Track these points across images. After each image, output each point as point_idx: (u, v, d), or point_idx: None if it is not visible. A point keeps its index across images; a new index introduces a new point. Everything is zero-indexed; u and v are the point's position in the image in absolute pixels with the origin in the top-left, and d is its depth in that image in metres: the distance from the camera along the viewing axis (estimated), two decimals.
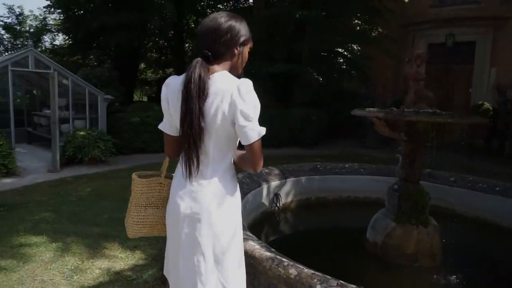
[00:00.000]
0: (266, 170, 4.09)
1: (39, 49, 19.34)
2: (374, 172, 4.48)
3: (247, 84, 1.31)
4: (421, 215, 2.84)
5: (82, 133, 7.10)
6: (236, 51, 1.39)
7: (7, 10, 22.66)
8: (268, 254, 1.88)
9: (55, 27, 19.62)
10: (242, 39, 1.39)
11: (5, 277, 2.64)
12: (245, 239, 2.07)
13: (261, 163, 1.40)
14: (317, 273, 1.68)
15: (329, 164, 4.64)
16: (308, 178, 4.35)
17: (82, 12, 12.99)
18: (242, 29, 1.39)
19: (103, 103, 7.89)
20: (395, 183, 3.03)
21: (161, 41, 15.47)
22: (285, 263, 1.77)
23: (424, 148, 2.84)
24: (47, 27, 20.73)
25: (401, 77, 3.08)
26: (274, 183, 4.01)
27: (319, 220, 4.22)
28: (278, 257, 1.84)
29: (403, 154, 2.90)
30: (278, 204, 3.99)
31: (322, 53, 11.06)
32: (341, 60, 11.85)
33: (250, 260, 1.94)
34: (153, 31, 13.02)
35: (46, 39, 21.81)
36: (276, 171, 4.16)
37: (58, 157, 6.70)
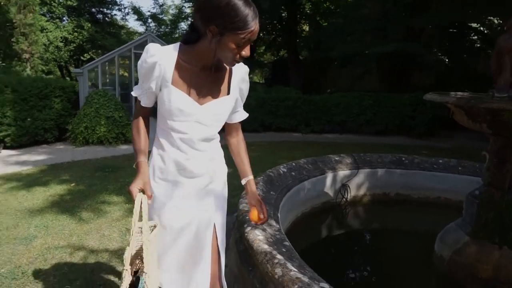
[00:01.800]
0: (337, 158, 3.75)
1: (176, 35, 21.96)
2: (475, 172, 3.66)
3: None
4: (507, 232, 2.18)
5: None
6: (209, 34, 1.15)
7: (153, 1, 26.15)
8: (265, 247, 1.70)
9: (190, 14, 21.73)
10: (221, 25, 1.11)
11: (79, 226, 3.10)
12: (254, 227, 1.93)
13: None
14: (303, 278, 1.44)
15: (418, 157, 3.98)
16: (388, 171, 3.81)
17: None
18: (228, 13, 1.09)
19: None
20: (477, 188, 2.39)
21: (274, 21, 15.52)
22: (275, 261, 1.57)
23: None
24: (183, 16, 23.08)
25: (494, 51, 2.32)
26: (343, 172, 3.64)
27: (394, 219, 3.69)
28: (273, 252, 1.64)
29: (490, 151, 2.25)
30: (345, 196, 3.63)
31: (450, 29, 9.45)
32: (475, 37, 9.94)
33: (249, 250, 1.80)
34: (264, 11, 13.15)
35: (183, 25, 24.40)
36: (348, 160, 3.77)
37: None
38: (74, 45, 15.19)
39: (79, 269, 2.43)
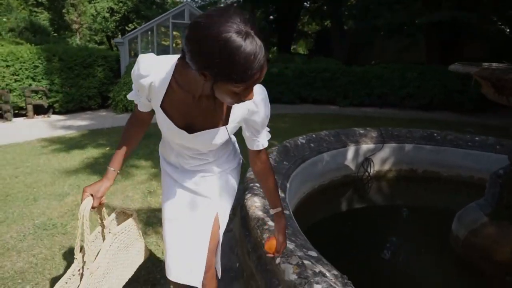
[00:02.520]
0: (361, 131, 3.63)
1: (221, 4, 21.82)
2: None
3: None
4: None
5: None
6: (201, 76, 0.90)
7: None
8: (259, 214, 1.72)
9: None
10: (213, 74, 0.86)
11: None
12: (255, 194, 1.96)
13: None
14: (288, 244, 1.45)
15: (452, 133, 3.73)
16: (416, 147, 3.63)
17: None
18: (224, 65, 0.83)
19: None
20: (503, 167, 2.22)
21: None
22: (265, 227, 1.59)
23: None
24: None
25: None
26: (367, 146, 3.53)
27: (419, 197, 3.55)
28: (265, 219, 1.66)
29: None
30: (368, 170, 3.53)
31: None
32: None
33: (246, 215, 1.83)
34: None
35: None
36: (374, 133, 3.63)
37: None
38: (120, 15, 15.66)
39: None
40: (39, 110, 6.87)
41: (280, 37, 16.64)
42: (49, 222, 2.65)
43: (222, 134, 1.17)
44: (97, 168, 3.84)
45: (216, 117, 1.13)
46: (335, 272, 1.36)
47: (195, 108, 1.10)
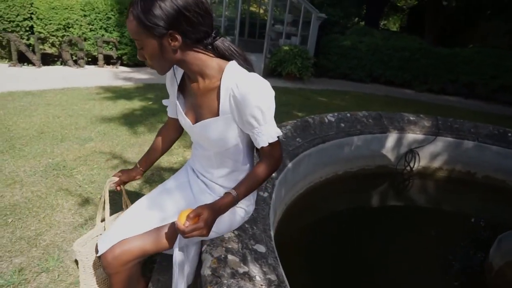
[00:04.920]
0: (412, 117, 3.07)
1: None
2: None
3: None
4: None
5: (285, 48, 7.41)
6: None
7: None
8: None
9: None
10: (155, 27, 0.93)
11: (128, 138, 3.35)
12: None
13: None
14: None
15: None
16: (479, 146, 2.98)
17: None
18: (162, 10, 0.91)
19: (316, 21, 7.78)
20: None
21: None
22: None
23: None
24: None
25: None
26: (414, 135, 2.98)
27: (472, 206, 2.94)
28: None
29: None
30: (411, 165, 3.01)
31: None
32: None
33: None
34: None
35: None
36: (427, 122, 3.05)
37: (262, 66, 7.41)
38: None
39: (105, 175, 2.63)
40: (109, 60, 7.26)
41: (368, 9, 15.26)
42: (62, 163, 2.73)
43: (216, 126, 1.09)
44: (130, 119, 3.89)
45: (209, 105, 1.08)
46: (273, 277, 1.08)
47: (194, 96, 1.11)
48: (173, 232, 1.13)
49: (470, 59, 7.52)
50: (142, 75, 6.76)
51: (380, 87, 8.19)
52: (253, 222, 1.39)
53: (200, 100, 1.09)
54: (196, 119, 1.14)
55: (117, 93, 5.06)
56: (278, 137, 1.09)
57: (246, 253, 1.15)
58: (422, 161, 3.03)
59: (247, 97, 0.99)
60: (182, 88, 1.18)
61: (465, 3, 11.05)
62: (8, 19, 6.19)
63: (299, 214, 2.32)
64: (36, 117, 3.66)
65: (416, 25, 14.44)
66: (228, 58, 1.05)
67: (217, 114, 1.07)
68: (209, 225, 1.01)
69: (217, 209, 1.05)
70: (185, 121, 1.16)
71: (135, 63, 7.48)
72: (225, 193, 1.10)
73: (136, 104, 4.56)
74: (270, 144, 1.07)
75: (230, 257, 1.08)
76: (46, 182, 2.43)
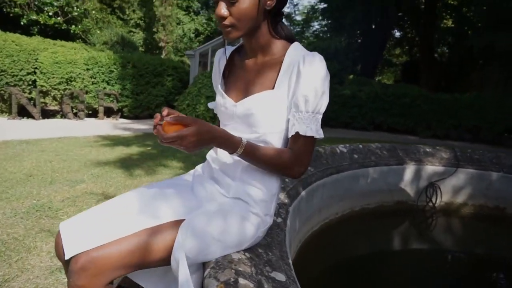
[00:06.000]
0: (428, 149, 2.86)
1: (307, 34, 22.06)
2: None
3: None
4: None
5: None
6: None
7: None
8: None
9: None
10: None
11: (123, 180, 3.11)
12: None
13: None
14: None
15: None
16: (505, 177, 2.73)
17: None
18: None
19: None
20: None
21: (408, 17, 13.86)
22: None
23: None
24: (315, 15, 22.90)
25: None
26: (432, 167, 2.74)
27: (506, 247, 2.60)
28: None
29: None
30: (433, 200, 2.73)
31: None
32: None
33: None
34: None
35: (316, 25, 24.20)
36: (445, 154, 2.83)
37: None
38: (203, 36, 16.61)
39: None
40: (109, 113, 7.25)
41: (363, 66, 15.86)
42: (47, 204, 2.46)
43: (265, 99, 0.95)
44: (127, 162, 3.68)
45: (264, 79, 0.98)
46: None
47: (244, 72, 1.03)
48: (168, 241, 0.87)
49: (471, 104, 7.52)
50: (142, 126, 6.70)
51: (384, 134, 8.09)
52: (268, 247, 1.12)
53: (254, 76, 1.00)
54: (242, 97, 1.00)
55: (115, 141, 4.91)
56: (315, 139, 0.94)
57: (262, 280, 0.87)
58: (444, 196, 2.75)
59: (309, 72, 0.90)
60: (226, 76, 1.09)
61: (457, 55, 11.44)
62: (12, 74, 6.27)
63: (315, 253, 2.00)
64: (27, 162, 3.46)
65: (411, 78, 14.88)
66: (290, 41, 1.00)
67: (272, 88, 0.96)
68: (196, 139, 0.81)
69: (213, 130, 0.85)
70: (224, 100, 1.02)
71: (135, 115, 7.48)
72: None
73: (134, 149, 4.38)
74: (304, 138, 0.92)
75: (241, 281, 0.80)
76: (26, 224, 2.15)
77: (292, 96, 0.93)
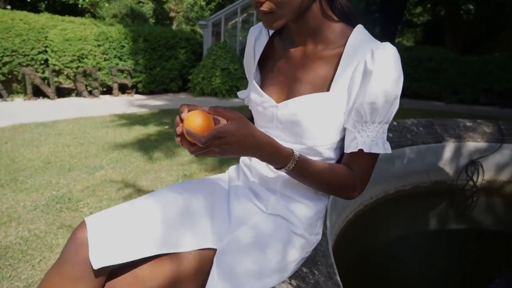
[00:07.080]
0: (468, 123, 2.62)
1: None
2: None
3: None
4: None
5: None
6: None
7: None
8: None
9: None
10: None
11: (143, 164, 3.01)
12: None
13: None
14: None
15: None
16: None
17: None
18: None
19: None
20: None
21: None
22: None
23: None
24: None
25: None
26: (474, 144, 2.52)
27: None
28: None
29: None
30: (474, 179, 2.53)
31: None
32: None
33: None
34: None
35: None
36: (488, 128, 2.59)
37: None
38: (214, 3, 15.98)
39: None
40: (124, 89, 7.12)
41: (382, 28, 15.05)
42: (67, 195, 2.38)
43: (316, 104, 0.74)
44: (145, 144, 3.57)
45: (316, 76, 0.77)
46: None
47: (298, 69, 0.79)
48: (191, 272, 0.73)
49: (503, 65, 7.02)
50: (158, 102, 6.56)
51: (409, 101, 7.73)
52: (312, 263, 0.97)
53: (301, 70, 0.78)
54: (286, 97, 0.79)
55: (132, 120, 4.80)
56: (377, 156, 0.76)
57: None
58: (486, 174, 2.54)
59: (380, 72, 0.68)
60: (263, 64, 0.88)
61: (486, 12, 10.65)
62: (23, 53, 6.15)
63: (351, 244, 1.87)
64: (45, 147, 3.39)
65: (434, 39, 14.07)
66: (351, 23, 0.77)
67: (326, 90, 0.75)
68: (236, 140, 0.61)
69: (258, 135, 0.65)
70: (263, 99, 0.81)
71: (150, 90, 7.33)
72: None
73: (151, 129, 4.26)
74: (368, 156, 0.74)
75: None
76: (47, 218, 2.08)
77: (354, 101, 0.72)
